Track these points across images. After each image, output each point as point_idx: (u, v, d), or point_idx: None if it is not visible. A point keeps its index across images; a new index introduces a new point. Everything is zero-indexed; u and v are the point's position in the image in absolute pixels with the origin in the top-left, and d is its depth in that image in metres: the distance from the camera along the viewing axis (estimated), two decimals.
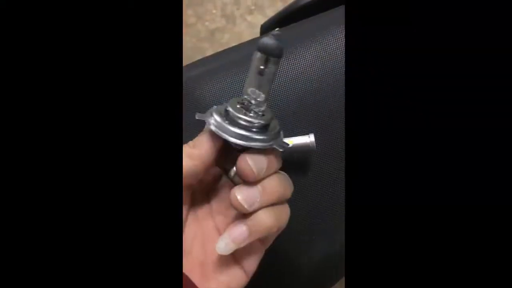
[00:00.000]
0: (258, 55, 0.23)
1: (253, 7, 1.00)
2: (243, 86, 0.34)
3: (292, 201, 0.35)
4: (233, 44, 0.40)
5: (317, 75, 0.35)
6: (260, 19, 0.51)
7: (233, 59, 0.37)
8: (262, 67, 0.23)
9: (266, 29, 0.50)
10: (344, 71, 0.35)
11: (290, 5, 0.45)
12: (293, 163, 0.33)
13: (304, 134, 0.32)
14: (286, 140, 0.30)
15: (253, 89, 0.24)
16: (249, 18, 0.99)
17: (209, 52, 0.45)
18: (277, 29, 0.24)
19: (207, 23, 0.99)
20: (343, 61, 0.35)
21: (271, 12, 0.48)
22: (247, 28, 0.98)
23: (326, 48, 0.35)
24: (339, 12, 0.39)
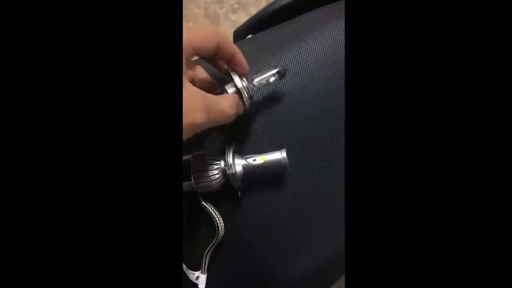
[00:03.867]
0: None
1: (236, 6, 0.98)
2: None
3: (289, 201, 0.34)
4: None
5: (320, 61, 0.36)
6: (244, 18, 0.50)
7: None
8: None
9: (239, 36, 0.48)
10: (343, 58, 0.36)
11: (265, 8, 0.44)
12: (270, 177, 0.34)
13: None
14: (258, 157, 0.31)
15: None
16: (233, 17, 0.98)
17: None
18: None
19: (190, 24, 0.97)
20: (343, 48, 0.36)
21: (255, 11, 0.47)
22: (232, 27, 0.97)
23: (330, 35, 0.36)
24: (341, 4, 0.39)
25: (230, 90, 0.30)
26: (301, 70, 0.35)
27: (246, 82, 0.30)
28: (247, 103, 0.30)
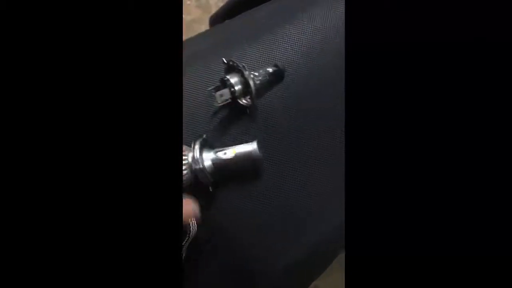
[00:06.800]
0: None
1: None
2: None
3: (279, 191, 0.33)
4: None
5: (302, 50, 0.35)
6: None
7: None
8: None
9: (214, 21, 0.47)
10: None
11: None
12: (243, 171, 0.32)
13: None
14: (229, 149, 0.30)
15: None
16: None
17: None
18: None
19: (183, 15, 0.96)
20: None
21: None
22: None
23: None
24: None
25: (233, 80, 0.30)
26: (279, 59, 0.33)
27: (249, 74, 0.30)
28: (254, 96, 0.31)
